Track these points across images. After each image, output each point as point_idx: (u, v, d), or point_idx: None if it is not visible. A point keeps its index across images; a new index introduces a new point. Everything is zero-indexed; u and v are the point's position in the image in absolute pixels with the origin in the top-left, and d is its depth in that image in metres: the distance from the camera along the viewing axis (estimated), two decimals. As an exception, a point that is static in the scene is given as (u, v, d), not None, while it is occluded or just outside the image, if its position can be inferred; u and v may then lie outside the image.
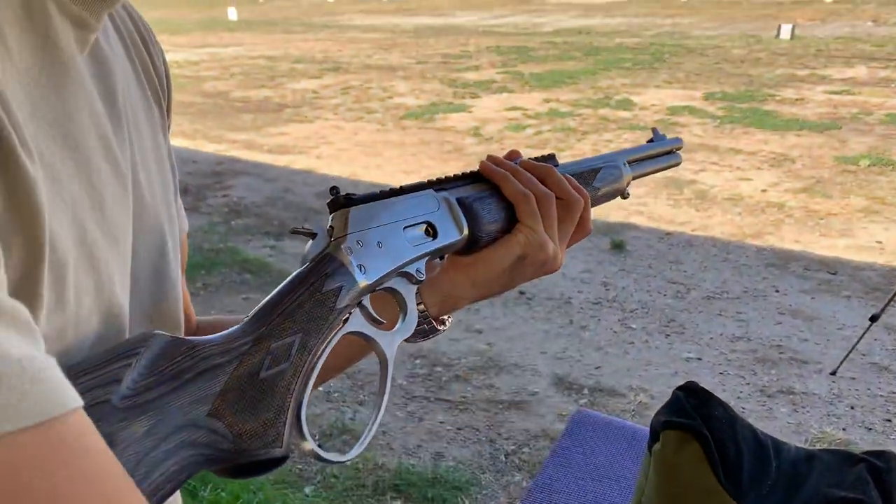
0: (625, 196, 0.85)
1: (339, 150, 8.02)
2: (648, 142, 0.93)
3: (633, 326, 3.90)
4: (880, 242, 5.03)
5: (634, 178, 0.87)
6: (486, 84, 12.02)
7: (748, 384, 3.36)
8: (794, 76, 12.00)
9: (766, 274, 4.55)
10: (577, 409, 1.42)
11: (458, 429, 3.05)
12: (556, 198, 0.69)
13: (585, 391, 3.30)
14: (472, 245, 0.67)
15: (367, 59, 14.78)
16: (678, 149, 0.95)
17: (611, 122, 9.11)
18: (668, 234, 5.28)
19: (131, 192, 0.51)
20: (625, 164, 0.84)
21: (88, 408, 0.39)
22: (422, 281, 0.62)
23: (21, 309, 0.32)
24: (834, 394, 3.26)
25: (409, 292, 0.62)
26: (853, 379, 3.37)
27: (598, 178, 0.80)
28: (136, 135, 0.53)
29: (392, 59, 15.27)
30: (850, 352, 3.37)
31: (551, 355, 3.59)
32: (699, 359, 3.58)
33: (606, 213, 5.74)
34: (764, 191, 6.22)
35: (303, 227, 0.57)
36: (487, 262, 0.68)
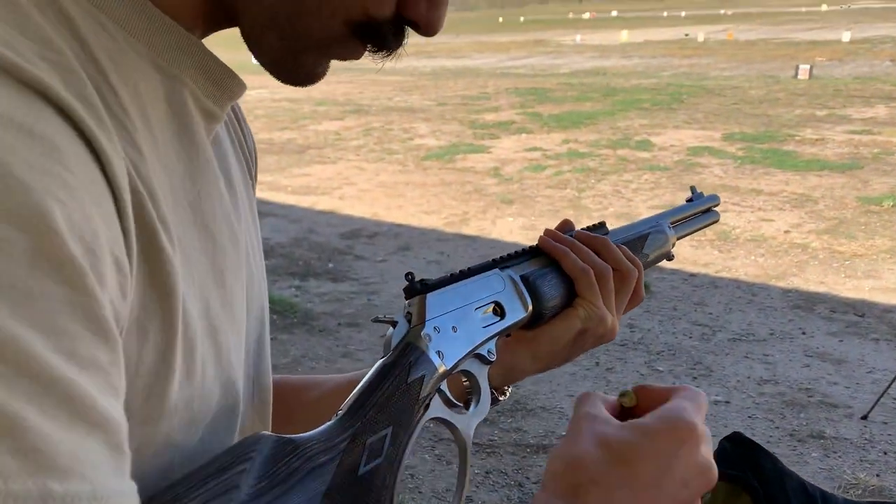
0: (670, 258, 0.87)
1: (361, 191, 8.12)
2: (688, 201, 0.94)
3: (660, 368, 3.89)
4: (907, 284, 5.00)
5: (678, 239, 0.88)
6: (505, 125, 12.15)
7: (777, 428, 3.32)
8: (814, 116, 12.04)
9: (791, 316, 4.53)
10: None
11: (487, 472, 3.04)
12: (613, 269, 0.71)
13: (613, 435, 3.28)
14: (535, 321, 0.69)
15: (387, 101, 15.00)
16: (716, 206, 0.97)
17: (630, 162, 9.17)
18: (692, 275, 5.28)
19: (244, 268, 0.55)
20: (669, 226, 0.86)
21: None
22: (493, 361, 0.63)
23: (122, 425, 0.34)
24: (866, 438, 3.22)
25: (482, 374, 0.63)
26: (885, 423, 3.33)
27: (648, 245, 0.81)
28: (243, 209, 0.57)
29: (412, 101, 15.51)
30: (882, 396, 3.34)
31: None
32: (727, 402, 3.55)
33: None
34: (787, 232, 6.21)
35: (384, 316, 0.59)
36: (549, 336, 0.70)
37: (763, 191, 7.56)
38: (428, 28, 0.50)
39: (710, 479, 0.50)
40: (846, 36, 28.59)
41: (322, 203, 7.66)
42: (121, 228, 0.37)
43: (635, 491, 0.48)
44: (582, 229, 0.76)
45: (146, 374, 0.40)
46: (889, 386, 3.34)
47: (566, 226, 0.75)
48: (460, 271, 0.64)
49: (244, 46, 0.51)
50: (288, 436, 0.49)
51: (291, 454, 0.47)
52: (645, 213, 6.87)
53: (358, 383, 0.56)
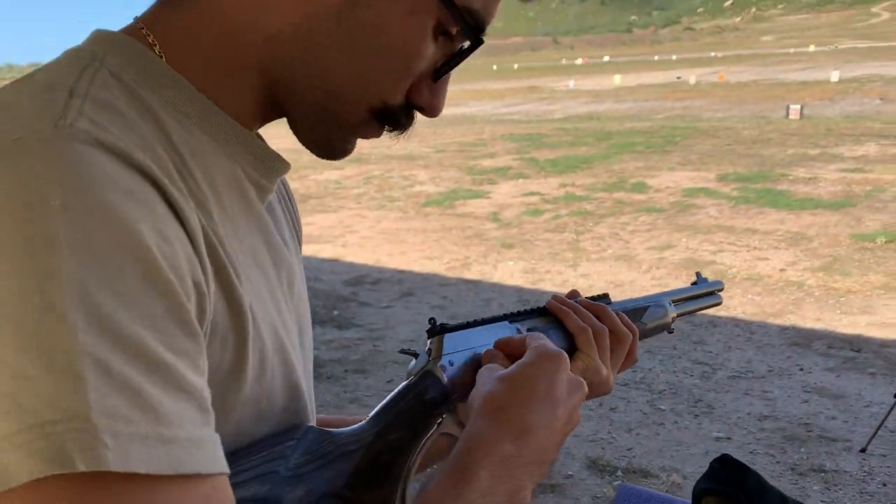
0: (670, 331, 0.98)
1: (363, 238, 8.26)
2: (693, 283, 1.06)
3: (662, 407, 3.97)
4: (902, 319, 5.09)
5: (679, 316, 1.00)
6: (502, 170, 12.36)
7: (778, 463, 3.40)
8: (806, 155, 12.26)
9: (789, 353, 4.62)
10: (622, 484, 1.52)
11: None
12: (610, 332, 0.83)
13: (619, 473, 3.35)
14: None
15: (386, 149, 15.25)
16: (719, 290, 1.09)
17: (627, 204, 9.33)
18: (691, 314, 5.37)
19: (296, 308, 0.69)
20: (670, 303, 0.98)
21: (263, 475, 0.59)
22: None
23: (206, 393, 0.48)
24: (865, 471, 3.29)
25: None
26: (884, 456, 3.40)
27: (646, 316, 0.94)
28: (293, 261, 0.72)
29: (411, 149, 15.77)
30: (879, 428, 3.42)
31: (583, 438, 3.66)
32: (729, 438, 3.63)
33: (629, 295, 5.86)
34: (783, 270, 6.33)
35: (409, 349, 0.74)
36: None
37: (758, 230, 7.71)
38: (431, 111, 0.65)
39: (584, 391, 0.68)
40: (835, 76, 29.15)
41: (325, 251, 7.79)
42: (198, 262, 0.50)
43: (534, 403, 0.65)
44: (587, 298, 0.88)
45: (225, 374, 0.54)
46: (885, 419, 3.42)
47: (573, 294, 0.87)
48: (475, 320, 0.77)
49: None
50: (327, 428, 0.65)
51: (328, 441, 0.64)
52: (643, 255, 7.00)
53: None
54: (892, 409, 3.39)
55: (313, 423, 0.74)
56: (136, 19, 0.61)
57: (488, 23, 0.62)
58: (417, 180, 11.86)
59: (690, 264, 6.56)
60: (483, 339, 0.75)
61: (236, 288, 0.55)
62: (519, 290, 6.13)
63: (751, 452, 3.48)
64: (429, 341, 0.73)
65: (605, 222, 8.45)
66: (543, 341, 0.71)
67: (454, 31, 0.61)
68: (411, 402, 0.68)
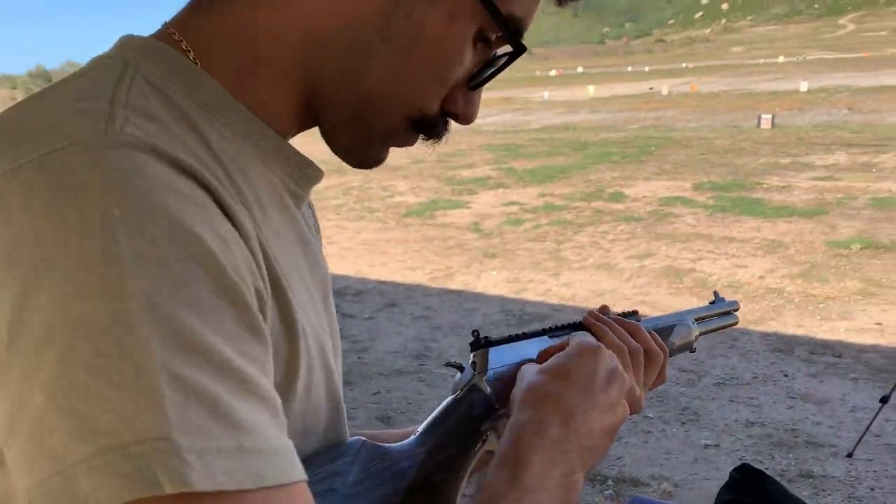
0: (692, 350, 1.00)
1: (343, 250, 8.22)
2: (711, 303, 1.08)
3: (650, 416, 3.98)
4: (880, 324, 5.17)
5: (700, 335, 1.01)
6: (481, 180, 12.39)
7: (767, 469, 3.40)
8: (778, 164, 12.45)
9: (773, 359, 4.67)
10: (632, 497, 1.51)
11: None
12: (644, 350, 0.83)
13: (610, 482, 3.35)
14: None
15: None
16: (735, 310, 1.10)
17: (605, 214, 9.40)
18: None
19: (327, 311, 0.68)
20: (693, 321, 0.99)
21: (323, 492, 0.58)
22: None
23: (278, 401, 0.47)
24: (853, 476, 3.33)
25: None
26: (870, 461, 3.44)
27: (674, 334, 0.94)
28: (324, 265, 0.71)
29: (389, 159, 15.50)
30: (864, 434, 3.46)
31: (572, 447, 3.65)
32: (717, 445, 3.65)
33: (612, 303, 5.88)
34: (762, 277, 6.40)
35: (454, 362, 0.74)
36: None
37: (735, 238, 7.79)
38: (465, 119, 0.64)
39: (624, 382, 0.70)
40: (804, 86, 29.68)
41: (306, 263, 7.73)
42: (257, 269, 0.50)
43: (574, 389, 0.66)
44: (618, 314, 0.89)
45: (277, 384, 0.53)
46: (870, 424, 3.46)
47: (605, 309, 0.87)
48: (516, 334, 0.77)
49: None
50: (380, 443, 0.65)
51: (383, 457, 0.64)
52: (623, 263, 7.05)
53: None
54: (877, 414, 3.43)
55: (347, 436, 0.73)
56: (166, 24, 0.59)
57: (526, 29, 0.61)
58: (397, 191, 11.84)
59: (671, 272, 6.61)
60: (525, 353, 0.76)
61: (290, 299, 0.54)
62: (503, 300, 6.13)
63: (739, 459, 3.49)
64: (472, 354, 0.73)
65: (585, 231, 8.50)
66: (584, 337, 0.73)
67: (493, 37, 0.60)
68: (459, 419, 0.68)
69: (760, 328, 5.23)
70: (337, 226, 9.51)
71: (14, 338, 0.41)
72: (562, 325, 0.83)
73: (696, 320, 1.00)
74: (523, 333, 0.78)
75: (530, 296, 6.24)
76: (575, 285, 6.47)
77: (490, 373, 0.71)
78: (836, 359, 4.63)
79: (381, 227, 9.33)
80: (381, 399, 4.29)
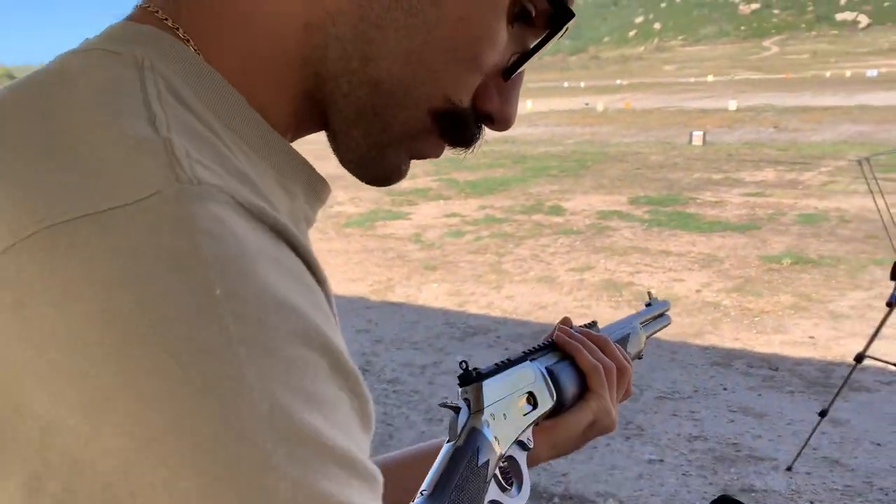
0: (641, 357, 0.96)
1: (281, 261, 8.04)
2: (647, 305, 1.05)
3: (594, 430, 3.97)
4: (812, 337, 5.31)
5: (647, 338, 0.98)
6: (422, 192, 12.34)
7: (711, 484, 3.44)
8: (711, 180, 12.79)
9: (712, 372, 4.73)
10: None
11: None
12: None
13: (556, 499, 3.31)
14: (556, 411, 0.76)
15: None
16: (667, 310, 1.08)
17: (545, 227, 9.46)
18: (615, 335, 5.45)
19: None
20: (641, 327, 0.96)
21: None
22: (531, 448, 0.71)
23: (379, 475, 0.39)
24: (793, 489, 3.37)
25: (522, 459, 0.70)
26: (808, 474, 3.50)
27: (630, 344, 0.91)
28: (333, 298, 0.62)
29: (329, 169, 15.33)
30: (803, 447, 3.51)
31: (518, 463, 3.61)
32: (661, 460, 3.65)
33: (554, 316, 5.89)
34: (698, 291, 6.52)
35: (449, 403, 0.66)
36: (566, 426, 0.76)
37: (672, 252, 7.93)
38: (501, 122, 0.53)
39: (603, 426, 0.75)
40: (732, 105, 30.70)
41: (242, 273, 7.53)
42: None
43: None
44: (581, 325, 0.84)
45: None
46: (809, 437, 3.52)
47: (567, 321, 0.83)
48: (502, 362, 0.71)
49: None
50: None
51: None
52: (564, 276, 7.08)
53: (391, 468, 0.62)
54: (815, 427, 3.49)
55: None
56: (148, 5, 0.47)
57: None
58: (336, 200, 11.68)
59: (610, 286, 6.67)
60: (516, 385, 0.70)
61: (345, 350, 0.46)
62: (445, 313, 6.07)
63: (683, 474, 3.51)
64: (462, 390, 0.66)
65: (526, 244, 8.53)
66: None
67: (534, 12, 0.49)
68: (467, 474, 0.62)
69: (699, 341, 5.30)
70: (274, 236, 9.31)
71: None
72: (539, 347, 0.78)
73: (642, 324, 0.97)
74: (509, 360, 0.72)
75: (472, 308, 6.20)
76: (517, 298, 6.46)
77: (488, 411, 0.65)
78: (773, 372, 4.72)
79: (321, 237, 9.17)
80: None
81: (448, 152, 0.55)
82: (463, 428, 0.64)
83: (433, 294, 6.65)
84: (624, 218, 9.80)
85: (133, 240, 0.32)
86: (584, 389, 0.77)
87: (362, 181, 0.54)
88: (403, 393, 4.49)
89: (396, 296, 6.62)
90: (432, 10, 0.46)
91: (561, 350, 0.78)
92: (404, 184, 13.61)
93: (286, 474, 0.31)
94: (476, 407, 0.65)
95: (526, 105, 38.01)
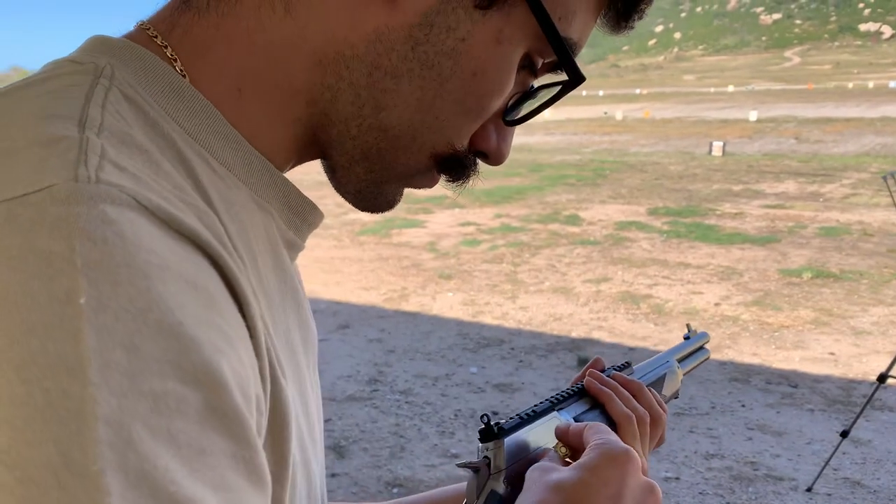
0: (677, 396, 0.90)
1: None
2: (686, 338, 0.99)
3: (609, 446, 3.90)
4: (833, 354, 5.21)
5: (683, 376, 0.92)
6: (437, 199, 12.31)
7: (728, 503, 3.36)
8: (731, 191, 12.66)
9: (730, 388, 4.64)
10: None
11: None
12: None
13: (569, 517, 3.25)
14: None
15: (318, 175, 14.93)
16: (706, 342, 1.02)
17: (562, 237, 9.39)
18: (632, 349, 5.37)
19: (315, 384, 0.55)
20: (677, 364, 0.90)
21: None
22: None
23: None
24: (813, 511, 3.29)
25: None
26: (829, 495, 3.41)
27: (665, 385, 0.85)
28: (314, 328, 0.58)
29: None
30: (824, 468, 3.42)
31: (530, 479, 3.54)
32: (677, 478, 3.57)
33: (569, 328, 5.82)
34: (717, 304, 6.42)
35: (469, 462, 0.61)
36: None
37: (690, 264, 7.84)
38: (496, 158, 0.54)
39: (657, 496, 0.55)
40: (753, 115, 30.47)
41: (257, 280, 7.52)
42: (258, 368, 0.38)
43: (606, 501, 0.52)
44: (612, 367, 0.80)
45: None
46: (830, 458, 3.43)
47: (599, 364, 0.78)
48: (527, 414, 0.66)
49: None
50: None
51: None
52: (580, 287, 7.01)
53: None
54: (836, 448, 3.40)
55: None
56: (144, 24, 0.48)
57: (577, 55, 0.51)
58: (351, 208, 11.55)
59: (627, 298, 6.59)
60: (541, 440, 0.65)
61: (285, 398, 0.41)
62: (459, 324, 6.02)
63: (700, 493, 3.43)
64: (483, 447, 0.61)
65: (542, 254, 8.46)
66: (606, 436, 0.59)
67: (540, 63, 0.50)
68: None
69: (717, 356, 5.21)
70: (290, 242, 9.30)
71: None
72: (565, 394, 0.73)
73: (679, 360, 0.92)
74: (533, 412, 0.67)
75: (487, 319, 6.14)
76: (532, 309, 6.40)
77: (508, 472, 0.61)
78: (793, 389, 4.62)
79: (335, 244, 9.15)
80: (333, 426, 4.12)
81: (443, 183, 0.55)
82: (482, 490, 0.59)
83: (447, 303, 6.60)
84: (642, 229, 9.71)
85: (6, 240, 0.31)
86: None
87: (357, 209, 0.55)
88: (416, 404, 4.44)
89: (410, 305, 6.58)
90: (448, 63, 0.46)
91: (591, 397, 0.74)
92: (419, 192, 13.54)
93: None
94: (496, 468, 0.60)
95: (543, 113, 37.97)
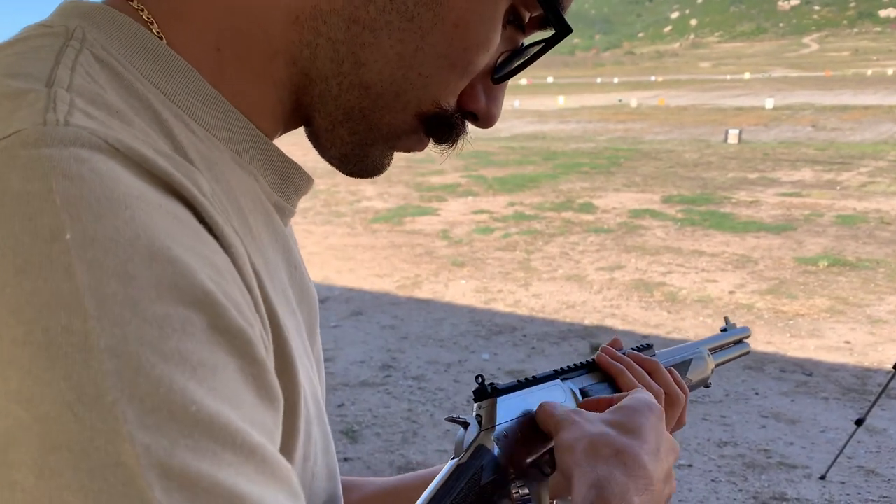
0: (707, 385, 0.89)
1: (310, 255, 8.04)
2: (722, 330, 0.98)
3: (621, 433, 3.90)
4: (848, 343, 5.17)
5: (716, 367, 0.91)
6: (451, 187, 12.30)
7: (741, 491, 3.35)
8: (746, 179, 12.55)
9: (744, 377, 4.62)
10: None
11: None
12: (664, 394, 0.73)
13: None
14: None
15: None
16: (746, 337, 1.00)
17: (575, 224, 9.36)
18: (644, 336, 5.35)
19: (315, 347, 0.55)
20: (708, 353, 0.89)
21: None
22: (550, 473, 0.64)
23: (292, 472, 0.36)
24: (826, 499, 3.27)
25: (543, 485, 0.64)
26: (843, 483, 3.39)
27: (691, 370, 0.84)
28: (313, 291, 0.58)
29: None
30: (838, 456, 3.40)
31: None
32: (690, 465, 3.57)
33: (582, 316, 5.81)
34: (731, 292, 6.38)
35: (457, 417, 0.60)
36: None
37: (705, 252, 7.79)
38: (486, 120, 0.53)
39: (677, 453, 0.59)
40: (769, 103, 30.15)
41: (270, 267, 7.55)
42: (254, 306, 0.38)
43: (649, 453, 0.54)
44: (632, 348, 0.78)
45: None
46: (844, 446, 3.41)
47: (617, 344, 0.77)
48: (526, 379, 0.65)
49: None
50: None
51: None
52: (593, 275, 6.99)
53: (401, 491, 0.61)
54: (851, 436, 3.38)
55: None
56: None
57: (567, 8, 0.50)
58: (364, 195, 11.69)
59: (641, 286, 6.56)
60: (535, 401, 0.64)
61: (288, 340, 0.41)
62: (472, 311, 6.02)
63: (713, 480, 3.42)
64: (477, 405, 0.61)
65: (555, 242, 8.44)
66: (641, 393, 0.60)
67: (528, 17, 0.48)
68: (466, 490, 0.56)
69: (731, 344, 5.18)
70: (304, 230, 9.32)
71: None
72: (574, 366, 0.71)
73: (711, 351, 0.90)
74: (533, 378, 0.66)
75: (499, 306, 6.14)
76: (545, 296, 6.39)
77: (500, 429, 0.60)
78: (807, 377, 4.60)
79: (348, 232, 9.17)
80: (346, 412, 4.14)
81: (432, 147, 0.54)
82: (470, 444, 0.58)
83: (460, 291, 6.60)
84: (656, 217, 9.65)
85: None
86: None
87: (344, 174, 0.54)
88: (428, 390, 4.45)
89: (423, 292, 6.59)
90: (428, 14, 0.45)
91: (602, 371, 0.72)
92: (432, 179, 13.61)
93: (137, 441, 0.28)
94: (487, 424, 0.59)
95: (557, 101, 37.76)
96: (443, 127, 0.51)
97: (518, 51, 0.51)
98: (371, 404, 4.24)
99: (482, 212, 10.26)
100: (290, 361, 0.41)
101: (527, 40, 0.51)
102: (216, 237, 0.37)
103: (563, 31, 0.48)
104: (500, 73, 0.50)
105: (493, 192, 11.85)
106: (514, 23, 0.49)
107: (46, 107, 0.34)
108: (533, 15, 0.49)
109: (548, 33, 0.50)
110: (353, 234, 9.01)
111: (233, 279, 0.36)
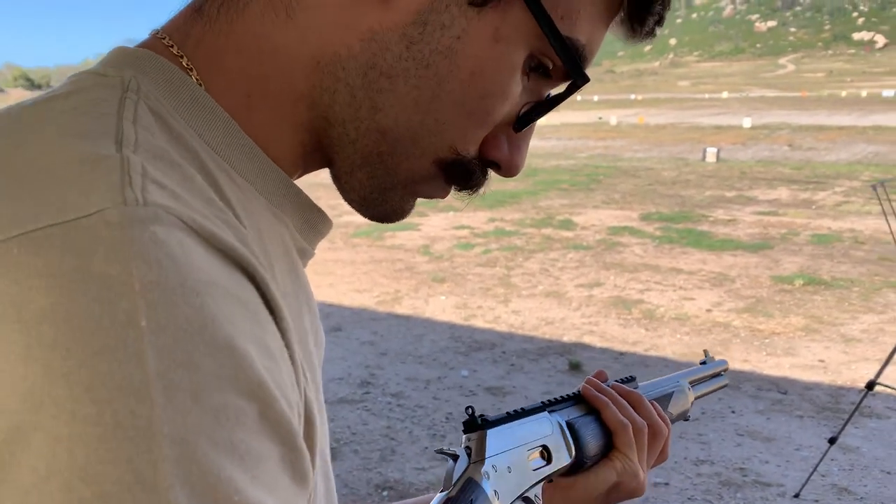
0: (687, 418, 0.90)
1: (289, 269, 8.02)
2: (701, 363, 0.99)
3: (599, 451, 3.91)
4: (823, 361, 5.23)
5: (695, 400, 0.92)
6: (432, 203, 12.29)
7: (716, 509, 3.37)
8: (724, 197, 12.71)
9: (721, 395, 4.65)
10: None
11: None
12: (647, 426, 0.74)
13: (558, 521, 3.26)
14: (575, 468, 0.71)
15: (313, 175, 14.98)
16: (725, 370, 1.02)
17: (555, 241, 9.41)
18: (622, 354, 5.39)
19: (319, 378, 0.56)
20: (689, 386, 0.90)
21: None
22: None
23: None
24: (800, 518, 3.30)
25: None
26: (816, 502, 3.43)
27: (672, 403, 0.85)
28: (322, 331, 0.58)
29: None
30: (812, 474, 3.44)
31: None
32: (667, 484, 3.59)
33: (561, 333, 5.84)
34: (709, 310, 6.45)
35: (447, 449, 0.61)
36: (586, 486, 0.72)
37: (682, 270, 7.86)
38: (509, 169, 0.52)
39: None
40: (747, 122, 30.57)
41: (249, 281, 7.51)
42: (295, 379, 0.39)
43: None
44: (616, 380, 0.79)
45: None
46: (818, 464, 3.45)
47: (601, 376, 0.78)
48: (515, 411, 0.67)
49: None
50: None
51: None
52: (572, 292, 7.03)
53: None
54: (824, 454, 3.42)
55: None
56: (158, 32, 0.48)
57: (591, 61, 0.50)
58: (345, 210, 11.45)
59: (619, 303, 6.61)
60: (526, 437, 0.65)
61: (311, 403, 0.42)
62: (451, 327, 6.03)
63: (689, 499, 3.45)
64: (466, 437, 0.62)
65: (535, 258, 8.48)
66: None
67: (551, 66, 0.48)
68: None
69: (708, 362, 5.22)
70: (283, 244, 9.30)
71: None
72: (560, 399, 0.73)
73: (691, 384, 0.91)
74: (522, 410, 0.68)
75: (479, 322, 6.15)
76: (524, 313, 6.41)
77: (489, 462, 0.61)
78: (783, 395, 4.65)
79: (329, 246, 9.15)
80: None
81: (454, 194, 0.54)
82: (459, 478, 0.59)
83: (440, 307, 6.61)
84: (635, 234, 9.74)
85: (64, 264, 0.32)
86: (610, 448, 0.73)
87: (365, 217, 0.54)
88: (408, 407, 4.44)
89: (403, 308, 6.59)
90: (445, 62, 0.46)
91: (587, 404, 0.74)
92: (415, 194, 13.57)
93: None
94: (477, 457, 0.60)
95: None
96: (462, 174, 0.51)
97: (542, 102, 0.51)
98: (350, 421, 4.22)
99: (463, 227, 10.29)
100: (313, 429, 0.42)
101: (554, 90, 0.52)
102: (272, 311, 0.38)
103: (580, 79, 0.49)
104: (523, 122, 0.51)
105: (474, 208, 11.88)
106: (538, 70, 0.49)
107: (122, 181, 0.35)
108: (557, 64, 0.49)
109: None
110: (333, 249, 8.99)
111: (282, 359, 0.38)
